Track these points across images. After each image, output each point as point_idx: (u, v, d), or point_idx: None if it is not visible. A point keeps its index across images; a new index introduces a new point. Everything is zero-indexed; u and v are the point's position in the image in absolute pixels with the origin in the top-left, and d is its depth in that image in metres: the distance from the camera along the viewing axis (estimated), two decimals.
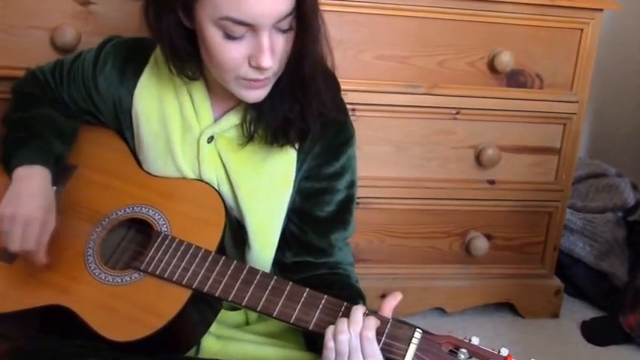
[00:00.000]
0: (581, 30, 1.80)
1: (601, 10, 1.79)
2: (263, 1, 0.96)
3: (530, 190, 1.92)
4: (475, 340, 0.97)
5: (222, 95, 1.13)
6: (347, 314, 0.99)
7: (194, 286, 1.06)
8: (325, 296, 1.03)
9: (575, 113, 1.87)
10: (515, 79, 1.81)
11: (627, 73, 2.41)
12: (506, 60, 1.76)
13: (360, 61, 1.72)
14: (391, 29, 1.72)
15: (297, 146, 1.15)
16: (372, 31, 1.71)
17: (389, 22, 1.71)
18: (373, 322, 0.96)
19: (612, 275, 2.09)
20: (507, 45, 1.77)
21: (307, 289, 1.04)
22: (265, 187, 1.15)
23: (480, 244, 1.91)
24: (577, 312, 2.08)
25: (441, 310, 1.99)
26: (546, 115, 1.86)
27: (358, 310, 0.97)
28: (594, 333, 1.98)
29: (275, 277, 1.07)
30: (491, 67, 1.78)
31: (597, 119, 2.45)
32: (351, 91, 1.68)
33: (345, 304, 1.02)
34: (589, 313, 2.07)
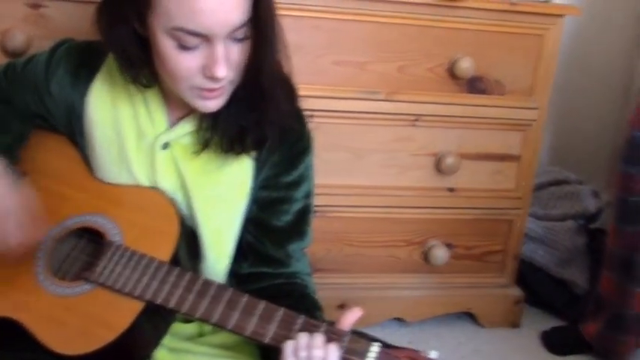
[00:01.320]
0: (542, 36, 1.80)
1: (561, 15, 1.79)
2: (216, 12, 0.94)
3: (490, 198, 1.92)
4: (434, 354, 0.96)
5: (177, 102, 1.10)
6: (305, 329, 0.98)
7: (147, 298, 1.04)
8: (282, 309, 1.02)
9: (535, 120, 1.87)
10: (475, 85, 1.81)
11: (589, 80, 2.44)
12: (466, 66, 1.75)
13: (319, 67, 1.71)
14: (350, 34, 1.71)
15: (253, 155, 1.13)
16: (331, 37, 1.70)
17: (348, 27, 1.70)
18: (334, 350, 0.95)
19: (573, 284, 2.10)
20: (468, 51, 1.77)
21: (264, 302, 1.03)
22: (221, 196, 1.14)
23: (440, 253, 1.90)
24: (538, 321, 2.08)
25: (401, 320, 1.97)
26: (506, 121, 1.86)
27: (319, 337, 0.97)
28: (555, 342, 1.98)
29: (231, 289, 1.05)
30: (452, 73, 1.77)
31: (560, 126, 2.47)
32: (309, 97, 1.62)
33: (303, 318, 1.01)
34: (550, 322, 2.08)
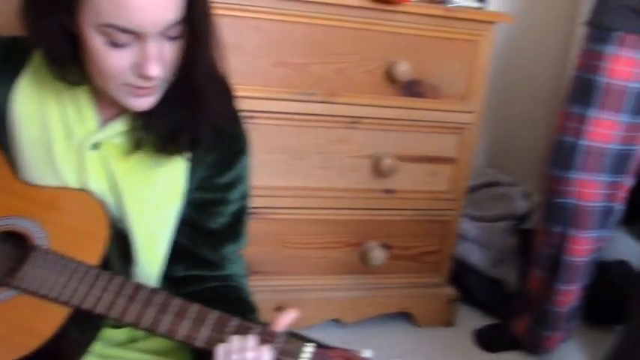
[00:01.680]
0: (476, 42, 1.84)
1: (494, 22, 1.83)
2: (148, 9, 0.92)
3: (426, 200, 1.95)
4: (368, 354, 0.96)
5: (109, 100, 1.07)
6: (238, 331, 0.97)
7: (74, 303, 1.01)
8: (215, 312, 1.00)
9: (470, 123, 1.91)
10: (412, 88, 1.83)
11: (522, 85, 2.50)
12: (403, 70, 1.77)
13: (257, 68, 1.70)
14: (289, 36, 1.70)
15: (187, 156, 1.11)
16: (270, 38, 1.69)
17: (287, 28, 1.69)
18: (267, 352, 0.95)
19: (505, 282, 2.15)
20: (405, 55, 1.79)
21: (197, 305, 1.01)
22: (154, 198, 1.11)
23: (377, 254, 1.91)
24: (471, 320, 2.12)
25: (338, 322, 1.98)
26: (442, 124, 1.89)
27: (251, 339, 0.96)
28: (487, 340, 2.03)
29: (163, 293, 1.03)
30: (389, 76, 1.79)
31: (496, 129, 2.52)
32: (248, 97, 1.64)
33: (237, 320, 1.00)
34: (483, 320, 2.12)
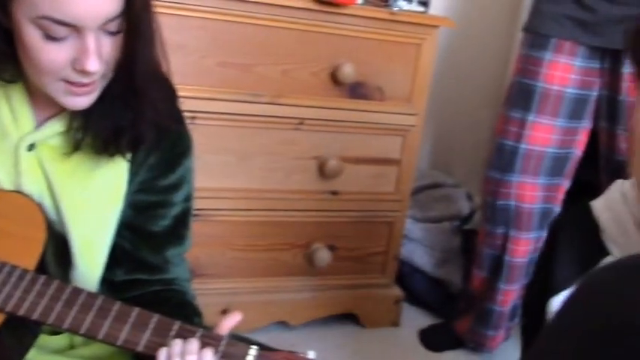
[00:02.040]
0: (419, 45, 1.86)
1: (436, 26, 1.86)
2: (86, 1, 0.89)
3: (371, 201, 1.96)
4: (312, 355, 0.96)
5: (45, 99, 1.04)
6: (180, 335, 0.95)
7: (8, 310, 0.97)
8: (156, 316, 0.98)
9: (414, 125, 1.93)
10: (357, 90, 1.84)
11: (465, 89, 2.53)
12: (348, 72, 1.78)
13: (202, 68, 1.68)
14: (235, 36, 1.69)
15: (128, 156, 1.08)
16: (216, 37, 1.68)
17: (233, 28, 1.68)
18: (209, 355, 0.94)
19: (449, 283, 2.18)
20: (350, 57, 1.80)
21: (137, 309, 0.99)
22: (93, 200, 1.08)
23: (323, 255, 1.92)
24: (416, 320, 2.14)
25: (285, 324, 1.97)
26: (386, 126, 1.90)
27: (193, 343, 0.94)
28: (431, 339, 2.05)
29: (102, 297, 1.00)
30: (334, 78, 1.80)
31: (439, 131, 2.55)
32: (192, 98, 1.63)
33: (179, 324, 0.98)
34: (428, 320, 2.14)
